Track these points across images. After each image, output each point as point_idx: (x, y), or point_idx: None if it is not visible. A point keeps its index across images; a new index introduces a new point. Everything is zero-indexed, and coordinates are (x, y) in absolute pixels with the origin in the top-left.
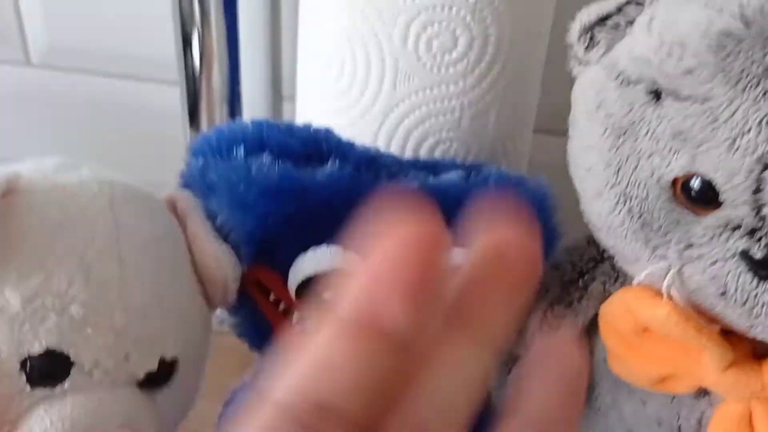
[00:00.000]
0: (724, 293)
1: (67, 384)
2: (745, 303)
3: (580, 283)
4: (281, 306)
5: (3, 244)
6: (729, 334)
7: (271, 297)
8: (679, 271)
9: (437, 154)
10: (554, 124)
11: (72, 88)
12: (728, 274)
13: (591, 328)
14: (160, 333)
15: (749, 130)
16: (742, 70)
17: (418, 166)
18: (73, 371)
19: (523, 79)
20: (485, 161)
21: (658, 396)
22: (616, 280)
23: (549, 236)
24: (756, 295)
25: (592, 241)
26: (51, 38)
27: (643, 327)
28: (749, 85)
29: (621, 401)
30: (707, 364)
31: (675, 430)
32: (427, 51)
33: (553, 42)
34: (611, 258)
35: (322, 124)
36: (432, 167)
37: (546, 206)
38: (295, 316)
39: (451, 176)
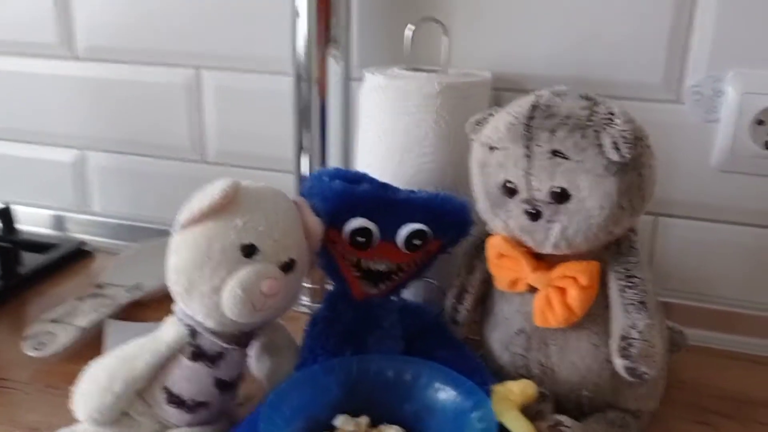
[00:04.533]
0: (522, 228)
1: (255, 258)
2: (530, 233)
3: (483, 245)
4: (341, 252)
5: (240, 205)
6: (536, 256)
7: (337, 247)
8: (505, 222)
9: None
10: None
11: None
12: (523, 220)
13: (490, 275)
14: (290, 246)
15: (520, 161)
16: (518, 137)
17: (409, 191)
18: (257, 253)
19: (462, 155)
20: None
21: (516, 296)
22: None
23: (467, 227)
24: (532, 228)
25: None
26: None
27: (498, 253)
28: (521, 143)
29: (503, 305)
30: (525, 269)
31: (525, 313)
32: (415, 143)
33: None
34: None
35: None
36: (414, 192)
37: (466, 210)
38: (346, 255)
39: (423, 194)
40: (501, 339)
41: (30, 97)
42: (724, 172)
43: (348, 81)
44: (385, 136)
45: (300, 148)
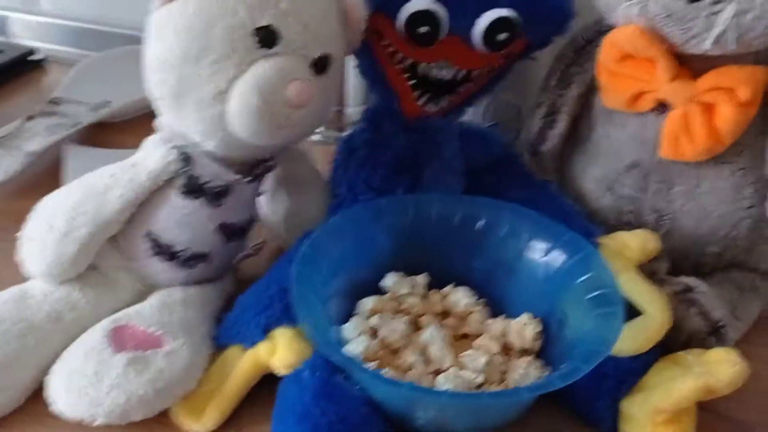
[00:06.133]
0: (669, 15)
1: (276, 50)
2: (681, 21)
3: (588, 48)
4: (390, 48)
5: None
6: (677, 60)
7: (385, 43)
8: (644, 6)
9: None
10: None
11: None
12: (673, 1)
13: (591, 90)
14: (324, 37)
15: None
16: None
17: None
18: (279, 42)
19: None
20: None
21: (633, 118)
22: None
23: (566, 19)
24: (686, 14)
25: (598, 21)
26: None
27: (623, 54)
28: None
29: (610, 130)
30: (660, 77)
31: (644, 141)
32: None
33: None
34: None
35: None
36: None
37: None
38: (399, 54)
39: None
40: (602, 176)
41: None
42: None
43: None
44: None
45: None
